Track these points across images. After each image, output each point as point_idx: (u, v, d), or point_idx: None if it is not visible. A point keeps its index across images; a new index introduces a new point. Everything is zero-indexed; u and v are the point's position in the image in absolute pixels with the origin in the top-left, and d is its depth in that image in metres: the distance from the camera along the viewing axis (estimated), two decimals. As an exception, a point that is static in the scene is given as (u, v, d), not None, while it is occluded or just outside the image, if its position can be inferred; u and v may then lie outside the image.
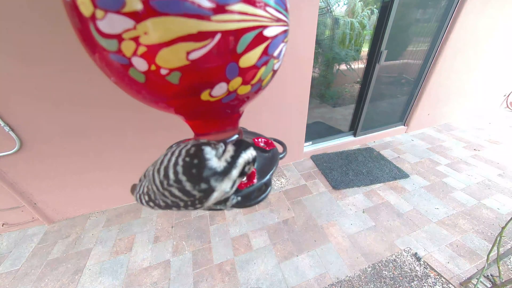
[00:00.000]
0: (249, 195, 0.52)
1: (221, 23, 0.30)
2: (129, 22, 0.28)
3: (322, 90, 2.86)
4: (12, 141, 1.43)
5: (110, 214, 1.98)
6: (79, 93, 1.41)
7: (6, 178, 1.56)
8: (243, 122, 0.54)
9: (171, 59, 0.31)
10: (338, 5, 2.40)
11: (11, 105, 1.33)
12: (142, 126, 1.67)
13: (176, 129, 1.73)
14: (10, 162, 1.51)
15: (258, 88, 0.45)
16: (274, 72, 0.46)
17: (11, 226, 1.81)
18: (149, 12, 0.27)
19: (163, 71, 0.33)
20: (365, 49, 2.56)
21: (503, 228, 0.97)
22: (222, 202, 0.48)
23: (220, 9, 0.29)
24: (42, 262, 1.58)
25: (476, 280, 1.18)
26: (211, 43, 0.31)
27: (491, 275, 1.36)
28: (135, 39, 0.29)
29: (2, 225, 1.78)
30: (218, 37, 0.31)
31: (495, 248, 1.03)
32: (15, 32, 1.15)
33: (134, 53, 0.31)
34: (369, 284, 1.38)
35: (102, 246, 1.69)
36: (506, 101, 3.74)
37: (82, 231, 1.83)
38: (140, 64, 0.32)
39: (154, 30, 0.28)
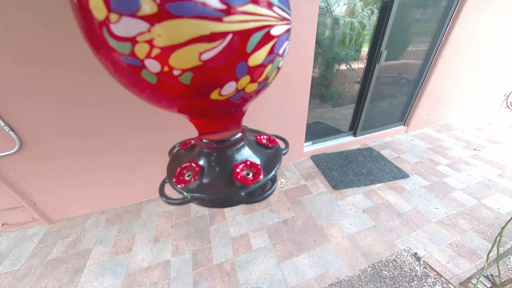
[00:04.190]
0: (254, 192, 0.53)
1: (232, 24, 0.31)
2: (143, 25, 0.29)
3: (322, 90, 2.86)
4: (12, 141, 1.43)
5: (110, 214, 1.98)
6: (79, 93, 1.41)
7: (6, 178, 1.56)
8: (244, 122, 0.55)
9: (184, 60, 0.32)
10: (338, 5, 2.40)
11: (11, 105, 1.33)
12: (143, 126, 1.67)
13: (176, 129, 1.73)
14: (10, 162, 1.51)
15: (264, 86, 0.47)
16: (279, 69, 0.48)
17: (11, 226, 1.81)
18: (163, 14, 0.28)
19: (176, 72, 0.34)
20: (365, 49, 2.56)
21: (503, 228, 0.97)
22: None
23: (231, 10, 0.31)
24: (42, 262, 1.58)
25: (476, 280, 1.18)
26: (223, 44, 0.32)
27: (491, 275, 1.37)
28: (149, 42, 0.30)
29: (2, 225, 1.78)
30: (229, 37, 0.32)
31: (495, 248, 1.03)
32: (15, 32, 1.15)
33: (148, 55, 0.31)
34: (369, 284, 1.38)
35: (102, 246, 1.69)
36: (506, 101, 3.74)
37: (82, 231, 1.83)
38: (153, 66, 0.33)
39: (168, 32, 0.29)
